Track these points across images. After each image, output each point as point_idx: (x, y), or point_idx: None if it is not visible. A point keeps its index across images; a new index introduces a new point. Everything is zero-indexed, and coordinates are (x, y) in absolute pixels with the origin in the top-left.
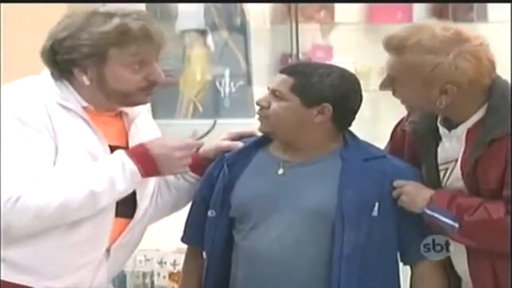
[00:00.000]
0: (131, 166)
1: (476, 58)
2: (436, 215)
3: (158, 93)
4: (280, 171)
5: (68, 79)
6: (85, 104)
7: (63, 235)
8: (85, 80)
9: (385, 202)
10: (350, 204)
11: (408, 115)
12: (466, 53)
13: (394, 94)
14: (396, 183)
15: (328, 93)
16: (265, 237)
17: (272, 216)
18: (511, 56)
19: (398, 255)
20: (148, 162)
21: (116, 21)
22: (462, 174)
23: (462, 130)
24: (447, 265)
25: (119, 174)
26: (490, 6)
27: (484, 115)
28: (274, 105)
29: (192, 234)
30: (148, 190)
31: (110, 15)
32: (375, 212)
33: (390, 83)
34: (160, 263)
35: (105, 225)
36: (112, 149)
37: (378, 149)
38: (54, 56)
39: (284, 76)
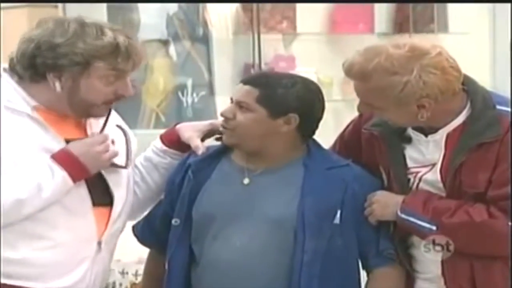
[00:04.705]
0: (61, 172)
1: (439, 69)
2: (411, 219)
3: (120, 103)
4: (246, 181)
5: (36, 81)
6: (34, 103)
7: (40, 239)
8: (57, 86)
9: (347, 210)
10: (312, 211)
11: (360, 117)
12: (429, 67)
13: (375, 115)
14: (367, 197)
15: (294, 103)
16: (228, 247)
17: (235, 225)
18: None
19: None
20: (74, 165)
21: (109, 35)
22: (442, 178)
23: (441, 135)
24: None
25: (48, 181)
26: (451, 17)
27: (465, 120)
28: (240, 116)
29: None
30: (120, 178)
31: (101, 28)
32: (337, 220)
33: (366, 108)
34: (122, 273)
35: (87, 217)
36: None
37: (341, 158)
38: (33, 59)
39: (248, 87)
